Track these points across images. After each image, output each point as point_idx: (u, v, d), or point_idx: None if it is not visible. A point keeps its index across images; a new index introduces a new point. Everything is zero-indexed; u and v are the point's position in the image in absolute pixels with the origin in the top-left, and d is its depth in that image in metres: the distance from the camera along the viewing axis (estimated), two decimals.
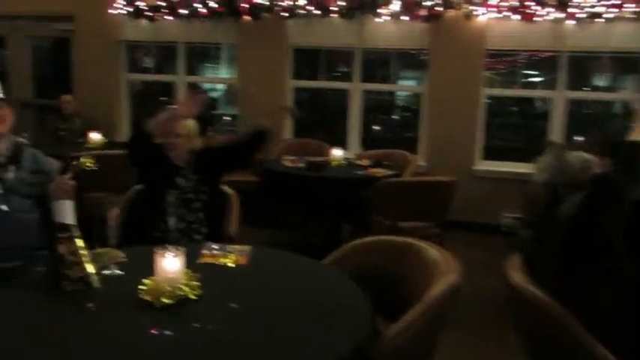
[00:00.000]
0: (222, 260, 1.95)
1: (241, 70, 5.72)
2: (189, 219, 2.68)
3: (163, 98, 6.62)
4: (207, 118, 6.73)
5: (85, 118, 5.37)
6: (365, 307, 1.62)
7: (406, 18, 5.01)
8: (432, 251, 1.88)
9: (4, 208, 2.20)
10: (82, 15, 5.90)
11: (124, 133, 6.02)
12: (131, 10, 5.65)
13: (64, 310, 1.52)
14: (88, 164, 2.11)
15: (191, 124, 2.83)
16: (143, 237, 2.54)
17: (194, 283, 1.62)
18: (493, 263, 4.14)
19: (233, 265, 1.92)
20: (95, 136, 4.81)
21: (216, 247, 2.07)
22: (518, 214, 4.50)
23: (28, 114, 6.22)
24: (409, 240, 2.02)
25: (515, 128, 6.31)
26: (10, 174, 2.29)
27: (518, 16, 4.75)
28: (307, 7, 5.17)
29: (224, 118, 6.99)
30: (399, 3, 4.97)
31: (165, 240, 2.54)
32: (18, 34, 6.39)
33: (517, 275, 1.77)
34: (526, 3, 4.68)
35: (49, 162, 2.52)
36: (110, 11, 5.71)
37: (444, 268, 1.75)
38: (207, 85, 7.37)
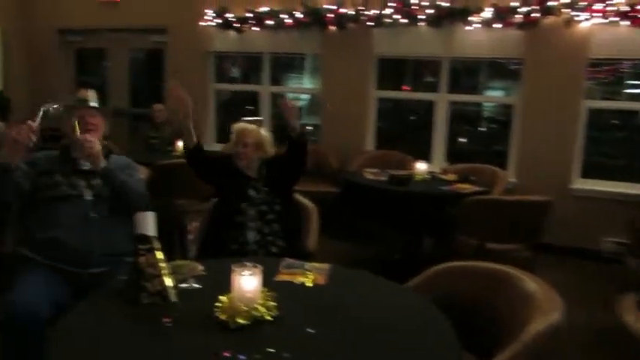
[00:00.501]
0: (300, 279, 1.87)
1: (325, 80, 5.70)
2: (265, 231, 2.63)
3: (249, 107, 6.75)
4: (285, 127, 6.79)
5: (175, 126, 5.56)
6: (451, 338, 1.48)
7: (499, 25, 4.75)
8: (530, 283, 1.68)
9: (93, 214, 2.26)
10: (174, 27, 6.16)
11: (210, 141, 6.19)
12: (220, 22, 5.82)
13: (139, 324, 1.50)
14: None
15: (262, 132, 2.79)
16: (221, 249, 2.53)
17: (271, 303, 1.55)
18: (590, 292, 3.83)
19: (311, 285, 1.84)
20: (181, 145, 4.94)
21: (294, 264, 2.00)
22: (623, 239, 4.09)
23: (123, 122, 6.57)
24: (504, 268, 1.83)
25: (618, 143, 5.79)
26: (99, 180, 2.36)
27: (627, 22, 4.34)
28: (394, 16, 5.06)
29: (306, 127, 7.00)
30: (492, 10, 4.72)
31: (243, 252, 2.53)
32: (118, 46, 6.78)
33: (632, 316, 1.54)
34: (637, 7, 4.27)
35: (134, 168, 2.58)
36: (201, 23, 5.92)
37: (545, 304, 1.56)
38: (290, 95, 7.44)
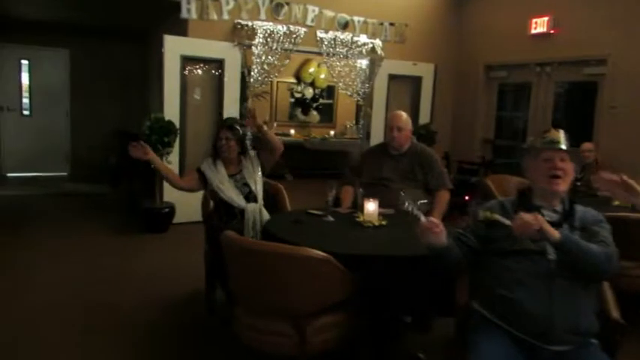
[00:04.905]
0: None
1: None
2: None
3: None
4: None
5: (611, 169, 4.78)
6: None
7: None
8: None
9: (557, 277, 1.88)
10: (618, 57, 5.37)
11: None
12: None
13: None
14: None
15: None
16: None
17: None
18: None
19: None
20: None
21: None
22: None
23: None
24: None
25: None
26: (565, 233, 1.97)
27: None
28: None
29: None
30: None
31: None
32: (543, 80, 6.41)
33: None
34: None
35: (605, 226, 2.08)
36: None
37: None
38: None
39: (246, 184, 3.33)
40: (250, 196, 3.30)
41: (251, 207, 3.21)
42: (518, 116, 6.95)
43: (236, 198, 3.24)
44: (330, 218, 2.90)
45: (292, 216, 2.98)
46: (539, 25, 6.10)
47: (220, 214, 3.28)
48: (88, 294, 3.72)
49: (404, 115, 3.50)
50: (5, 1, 6.83)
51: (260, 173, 3.40)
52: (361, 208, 2.90)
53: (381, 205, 2.93)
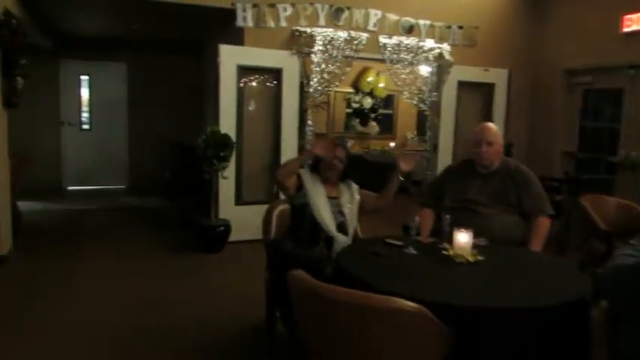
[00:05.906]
0: None
1: None
2: None
3: None
4: None
5: None
6: None
7: None
8: None
9: None
10: None
11: None
12: None
13: None
14: None
15: None
16: None
17: None
18: None
19: None
20: None
21: None
22: None
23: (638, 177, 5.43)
24: None
25: None
26: None
27: None
28: None
29: None
30: None
31: None
32: (638, 85, 5.67)
33: None
34: None
35: None
36: None
37: None
38: None
39: (342, 213, 2.91)
40: (342, 227, 2.87)
41: (341, 238, 2.78)
42: (605, 126, 6.22)
43: (328, 221, 2.82)
44: (412, 250, 2.45)
45: (368, 245, 2.54)
46: (634, 23, 5.40)
47: (297, 239, 2.84)
48: (137, 314, 3.54)
49: (494, 127, 3.01)
50: (66, 20, 6.84)
51: (357, 208, 2.99)
52: (449, 238, 2.43)
53: None
